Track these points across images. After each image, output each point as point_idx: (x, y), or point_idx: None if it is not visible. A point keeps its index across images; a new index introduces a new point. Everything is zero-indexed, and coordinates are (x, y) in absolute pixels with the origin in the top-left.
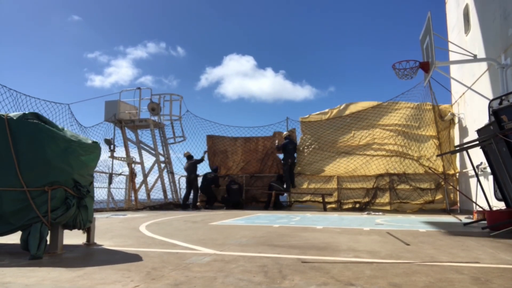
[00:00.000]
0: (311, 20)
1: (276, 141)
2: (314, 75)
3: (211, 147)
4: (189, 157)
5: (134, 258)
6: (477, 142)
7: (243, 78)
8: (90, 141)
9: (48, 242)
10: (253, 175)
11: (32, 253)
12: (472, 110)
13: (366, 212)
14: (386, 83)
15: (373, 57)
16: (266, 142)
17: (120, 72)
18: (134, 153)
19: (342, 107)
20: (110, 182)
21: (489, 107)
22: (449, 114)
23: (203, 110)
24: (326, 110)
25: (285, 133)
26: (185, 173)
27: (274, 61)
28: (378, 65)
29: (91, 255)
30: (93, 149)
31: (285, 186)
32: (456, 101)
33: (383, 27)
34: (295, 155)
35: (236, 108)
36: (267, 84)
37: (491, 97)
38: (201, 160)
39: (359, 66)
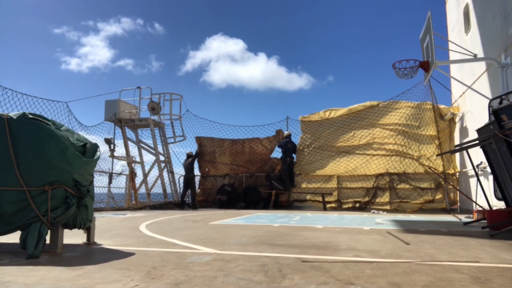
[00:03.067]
0: (309, 2)
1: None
2: (312, 62)
3: (199, 147)
4: (190, 156)
5: (134, 257)
6: (477, 141)
7: (231, 63)
8: (90, 141)
9: (48, 242)
10: (253, 174)
11: (29, 252)
12: (472, 110)
13: (371, 211)
14: (386, 82)
15: (373, 55)
16: (253, 144)
17: (96, 53)
18: (134, 153)
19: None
20: (110, 182)
21: (489, 106)
22: (449, 113)
23: (188, 101)
24: (321, 112)
25: (286, 132)
26: (184, 172)
27: (266, 45)
28: (377, 64)
29: (91, 254)
30: (93, 149)
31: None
32: (456, 101)
33: (384, 26)
34: (294, 155)
35: (226, 98)
36: (259, 71)
37: (491, 97)
38: (196, 156)
39: (358, 62)
